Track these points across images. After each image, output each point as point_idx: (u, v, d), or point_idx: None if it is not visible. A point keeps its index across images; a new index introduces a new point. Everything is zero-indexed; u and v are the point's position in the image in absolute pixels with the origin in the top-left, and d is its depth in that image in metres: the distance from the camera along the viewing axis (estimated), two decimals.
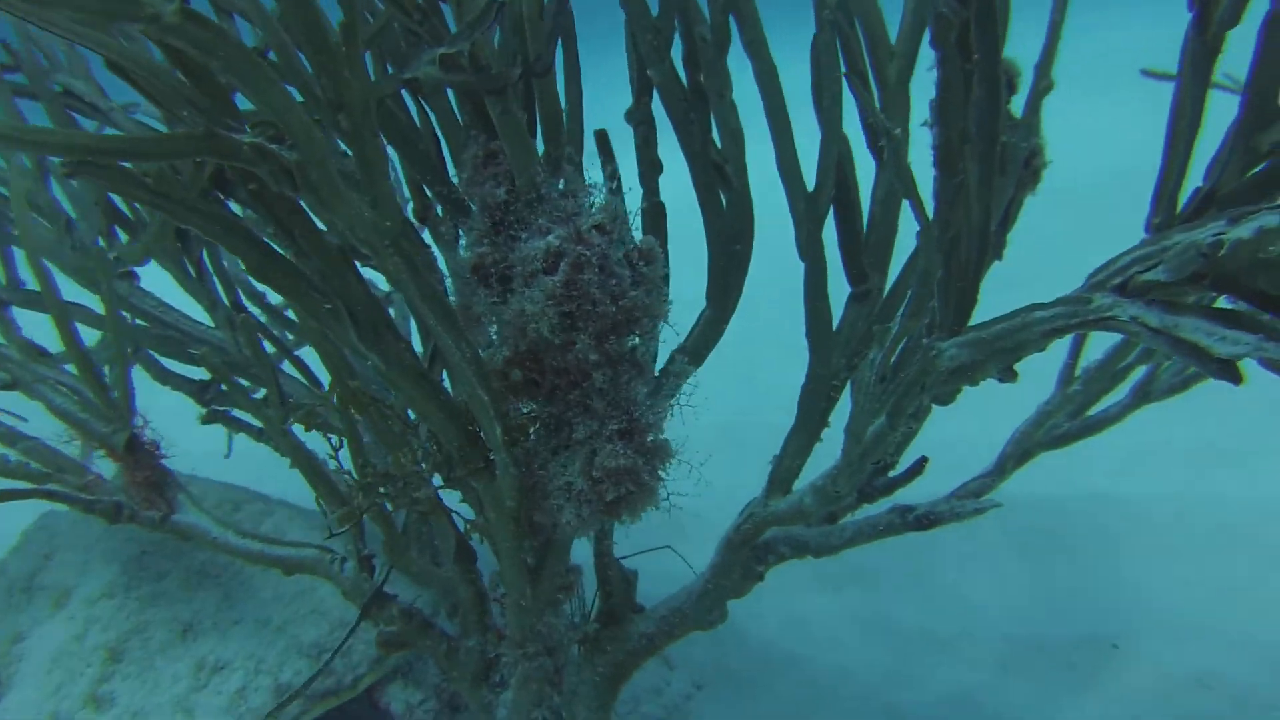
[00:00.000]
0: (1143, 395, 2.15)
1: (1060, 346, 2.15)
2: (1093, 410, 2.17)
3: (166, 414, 2.35)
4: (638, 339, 1.74)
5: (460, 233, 1.97)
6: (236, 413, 2.51)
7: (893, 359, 1.81)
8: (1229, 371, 1.35)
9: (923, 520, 2.10)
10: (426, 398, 1.70)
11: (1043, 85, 2.01)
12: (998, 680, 2.77)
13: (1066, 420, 2.16)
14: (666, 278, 1.75)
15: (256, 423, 2.52)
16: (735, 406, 4.24)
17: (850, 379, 2.05)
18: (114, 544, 2.46)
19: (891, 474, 2.27)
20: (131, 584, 2.39)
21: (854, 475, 1.91)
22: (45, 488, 2.08)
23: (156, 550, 2.45)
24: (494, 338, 1.81)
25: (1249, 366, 1.31)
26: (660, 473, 1.73)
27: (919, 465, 2.24)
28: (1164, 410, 2.21)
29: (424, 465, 1.91)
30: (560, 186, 1.79)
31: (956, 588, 3.24)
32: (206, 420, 2.51)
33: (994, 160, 1.68)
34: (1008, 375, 1.82)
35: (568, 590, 2.02)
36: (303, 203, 1.54)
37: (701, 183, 1.95)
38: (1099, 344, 2.10)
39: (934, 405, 1.90)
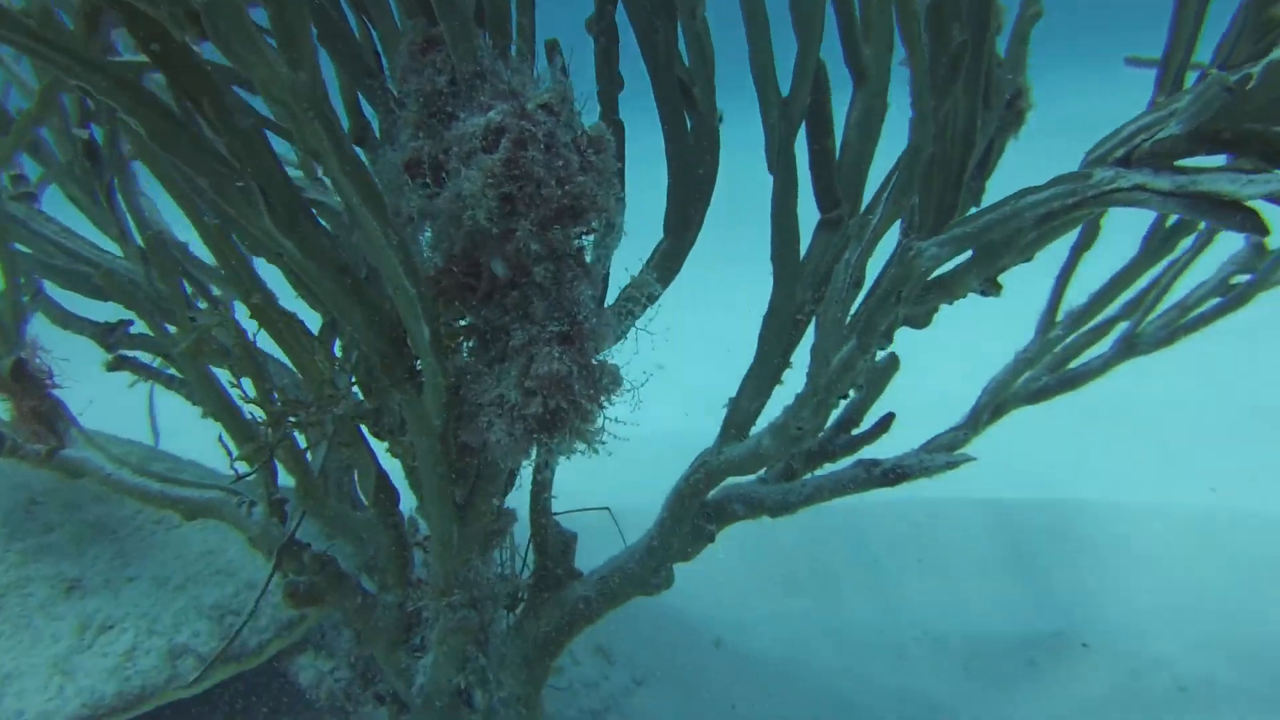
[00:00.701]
0: (1128, 348, 2.00)
1: (1041, 289, 2.02)
2: (1074, 363, 2.01)
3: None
4: (585, 240, 1.56)
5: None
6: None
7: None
8: (1254, 222, 1.20)
9: (890, 474, 1.94)
10: (347, 294, 1.52)
11: (1030, 12, 1.86)
12: (957, 680, 2.59)
13: (1045, 373, 2.01)
14: (620, 173, 1.58)
15: (172, 370, 2.31)
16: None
17: (817, 311, 1.89)
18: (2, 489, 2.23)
19: (855, 431, 2.11)
20: (14, 535, 2.15)
21: (820, 409, 1.74)
22: None
23: (48, 500, 2.22)
24: (426, 248, 1.63)
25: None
26: (603, 399, 1.55)
27: (885, 421, 2.08)
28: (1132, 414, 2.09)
29: (339, 383, 1.71)
30: (505, 69, 1.61)
31: (918, 592, 3.07)
32: (113, 366, 2.29)
33: (984, 51, 1.54)
34: (990, 287, 1.67)
35: (499, 535, 1.82)
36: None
37: (665, 101, 1.79)
38: (1084, 286, 1.95)
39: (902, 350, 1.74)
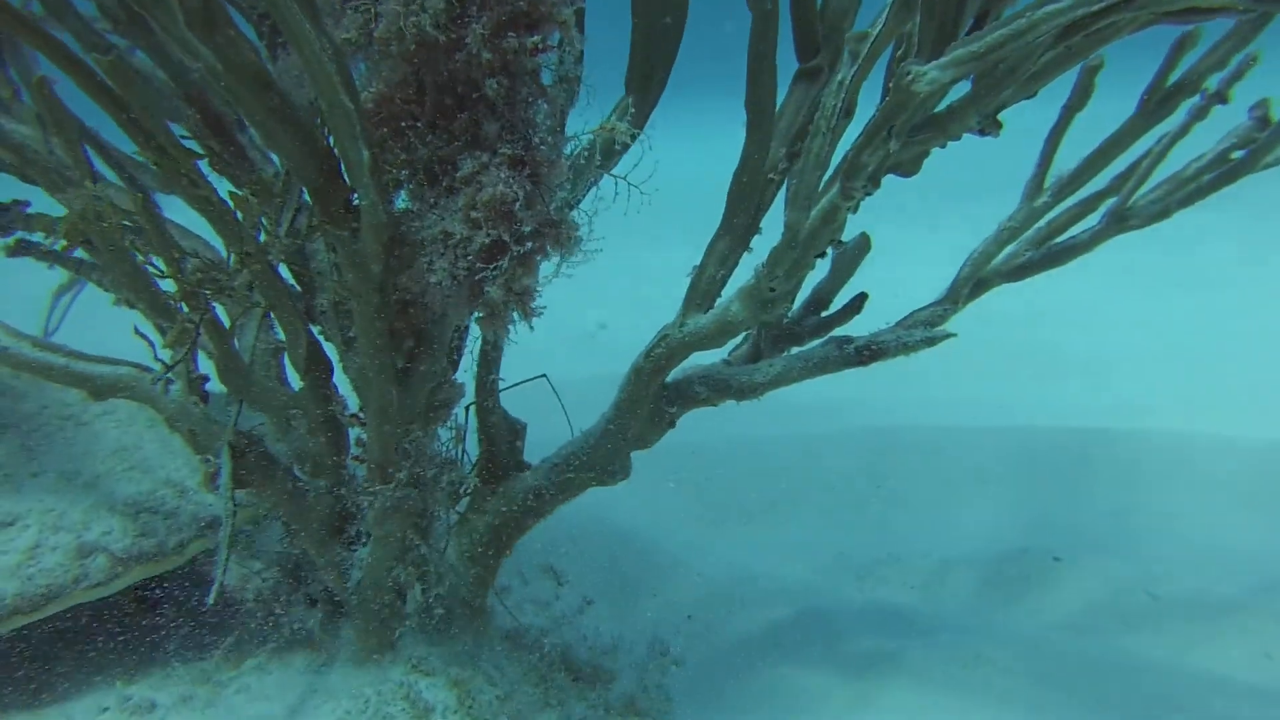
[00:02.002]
0: (1118, 220, 1.87)
1: (1028, 156, 1.89)
2: (1059, 238, 1.89)
3: None
4: (542, 60, 1.40)
5: None
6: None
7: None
8: None
9: (864, 352, 1.80)
10: (273, 113, 1.34)
11: None
12: (926, 595, 2.48)
13: (1030, 247, 1.88)
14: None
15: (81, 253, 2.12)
16: None
17: (783, 180, 1.75)
18: None
19: (825, 313, 1.97)
20: None
21: (796, 266, 1.59)
22: None
23: None
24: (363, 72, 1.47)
25: None
26: (556, 245, 1.40)
27: (857, 301, 1.95)
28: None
29: (263, 232, 1.54)
30: None
31: (882, 516, 2.96)
32: (13, 251, 2.09)
33: None
34: (990, 125, 1.53)
35: (444, 409, 1.66)
36: None
37: None
38: (1073, 149, 1.83)
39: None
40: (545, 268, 1.44)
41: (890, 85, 1.38)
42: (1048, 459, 3.20)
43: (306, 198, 1.52)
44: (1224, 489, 2.90)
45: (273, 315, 1.67)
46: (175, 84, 1.77)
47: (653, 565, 2.55)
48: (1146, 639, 2.24)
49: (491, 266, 1.35)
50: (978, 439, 3.35)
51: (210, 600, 1.55)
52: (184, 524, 1.92)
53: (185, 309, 1.59)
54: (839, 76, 1.40)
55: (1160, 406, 3.60)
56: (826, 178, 1.54)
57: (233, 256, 1.53)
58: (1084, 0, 1.21)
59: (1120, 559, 2.59)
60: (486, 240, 1.36)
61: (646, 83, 1.74)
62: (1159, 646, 2.20)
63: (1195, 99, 1.78)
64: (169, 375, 1.73)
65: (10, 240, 2.10)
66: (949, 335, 1.81)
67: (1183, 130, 1.83)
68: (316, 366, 1.68)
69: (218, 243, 1.91)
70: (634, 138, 1.61)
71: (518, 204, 1.34)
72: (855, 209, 1.54)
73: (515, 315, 1.44)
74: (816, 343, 1.86)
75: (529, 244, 1.37)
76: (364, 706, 1.72)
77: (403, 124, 1.39)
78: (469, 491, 1.87)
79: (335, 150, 1.38)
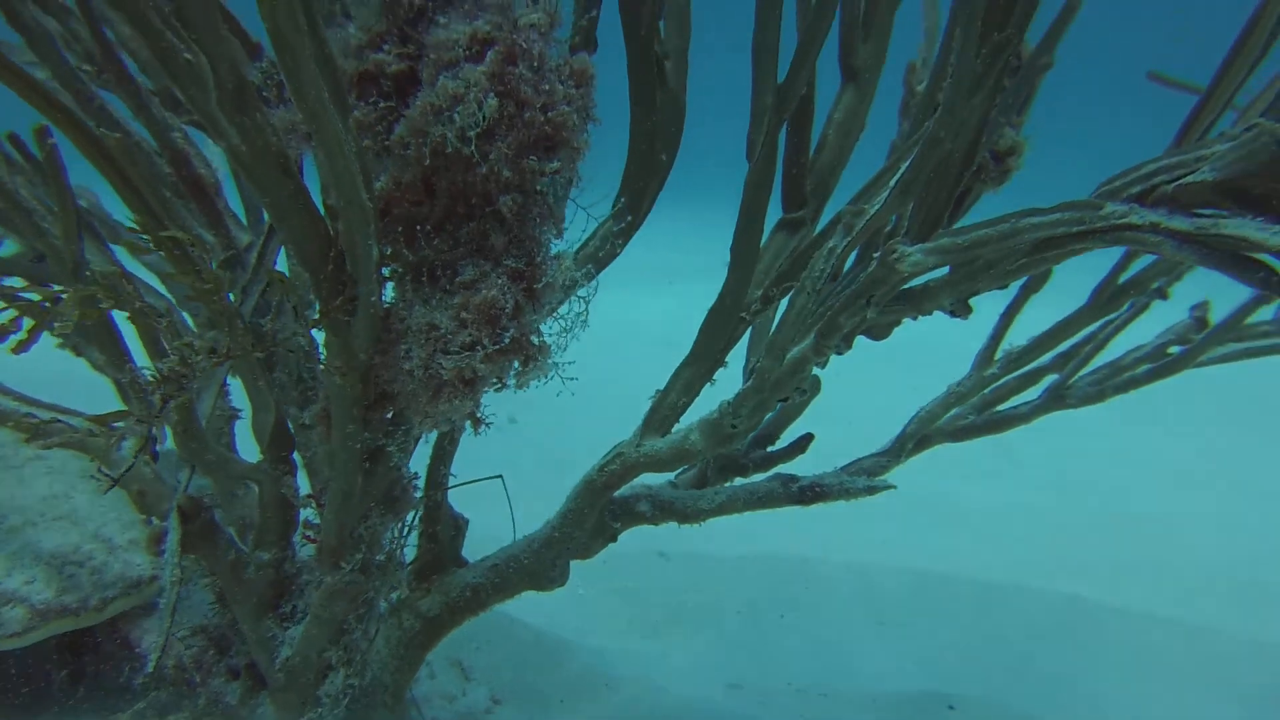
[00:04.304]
0: (1056, 398, 1.99)
1: (983, 327, 2.00)
2: (1001, 406, 2.00)
3: None
4: (545, 181, 1.47)
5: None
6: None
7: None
8: (1275, 284, 1.18)
9: (807, 492, 1.87)
10: (290, 198, 1.38)
11: (1042, 61, 1.83)
12: None
13: (973, 412, 1.98)
14: (593, 111, 1.49)
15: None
16: None
17: (753, 321, 1.83)
18: None
19: (771, 448, 2.05)
20: None
21: (759, 408, 1.66)
22: None
23: None
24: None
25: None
26: (530, 352, 1.45)
27: (803, 441, 2.03)
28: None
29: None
30: None
31: (785, 646, 3.02)
32: None
33: (1010, 59, 1.51)
34: (961, 309, 1.63)
35: (403, 499, 1.69)
36: None
37: (637, 71, 1.72)
38: (1026, 328, 1.94)
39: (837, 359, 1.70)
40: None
41: (875, 261, 1.47)
42: (944, 605, 3.31)
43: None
44: (1121, 662, 3.03)
45: (245, 388, 1.69)
46: (157, 141, 1.81)
47: (561, 669, 2.56)
48: None
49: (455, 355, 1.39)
50: (879, 578, 3.45)
51: (150, 666, 1.54)
52: (109, 581, 1.90)
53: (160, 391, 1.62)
54: (831, 244, 1.48)
55: (1055, 567, 3.74)
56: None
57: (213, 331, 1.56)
58: (1064, 221, 1.32)
59: (1012, 714, 2.68)
60: (467, 338, 1.41)
61: (637, 202, 1.82)
62: None
63: (1142, 294, 1.92)
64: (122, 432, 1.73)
65: None
66: (889, 486, 1.89)
67: (1124, 323, 1.96)
68: (279, 440, 1.70)
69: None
70: (588, 276, 1.68)
71: (505, 313, 1.40)
72: (824, 365, 1.63)
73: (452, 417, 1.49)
74: (761, 477, 1.93)
75: (498, 348, 1.42)
76: None
77: (412, 226, 1.45)
78: (404, 583, 1.89)
79: (342, 241, 1.43)
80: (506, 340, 1.39)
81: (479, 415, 1.49)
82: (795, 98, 1.65)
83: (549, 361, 1.44)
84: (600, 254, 1.80)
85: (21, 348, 1.55)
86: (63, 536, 1.92)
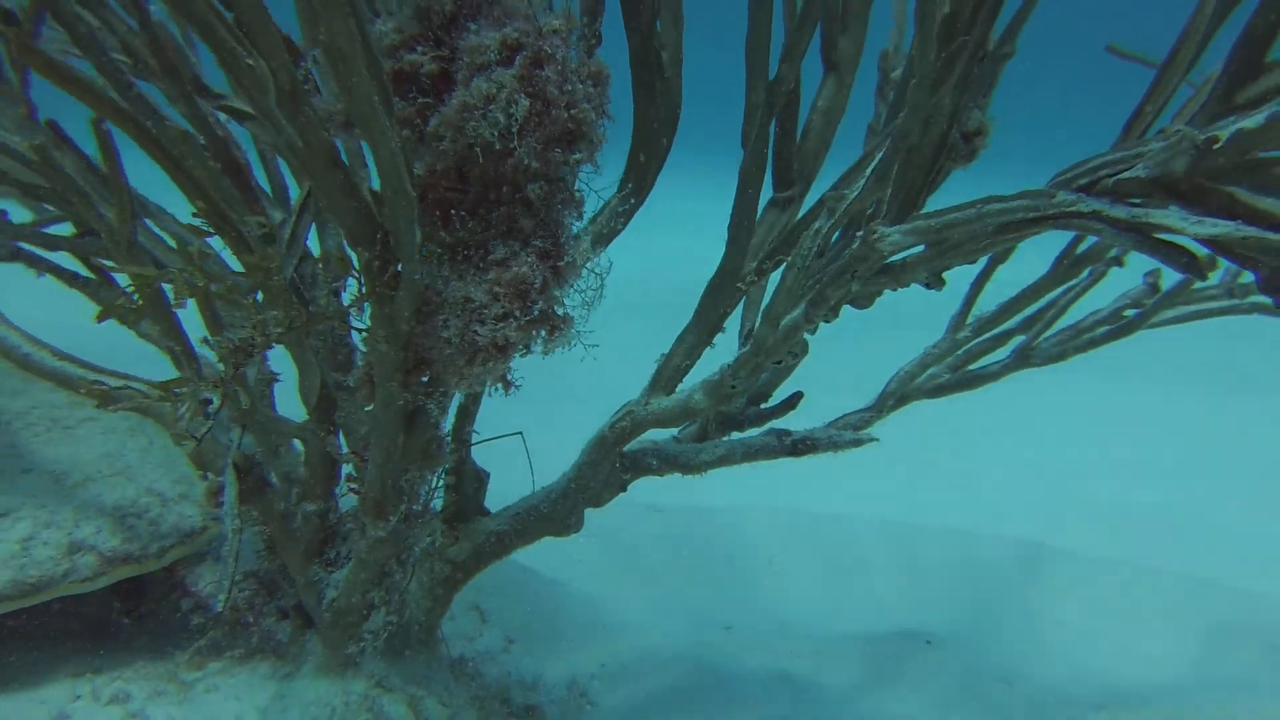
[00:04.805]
0: (1022, 358, 2.18)
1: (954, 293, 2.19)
2: (973, 366, 2.19)
3: None
4: (567, 170, 1.64)
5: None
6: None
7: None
8: (1193, 265, 1.37)
9: (800, 445, 2.06)
10: (340, 188, 1.55)
11: (1005, 50, 2.01)
12: (812, 665, 2.74)
13: (947, 372, 2.18)
14: (607, 107, 1.66)
15: (74, 265, 2.28)
16: None
17: (748, 291, 2.01)
18: None
19: (765, 405, 2.24)
20: None
21: (756, 370, 1.85)
22: None
23: None
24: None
25: None
26: (556, 323, 1.63)
27: (794, 399, 2.21)
28: None
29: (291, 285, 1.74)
30: None
31: (773, 590, 3.23)
32: (4, 258, 2.23)
33: (975, 59, 1.68)
34: (935, 282, 1.81)
35: (437, 455, 1.87)
36: None
37: (639, 64, 1.89)
38: (994, 295, 2.13)
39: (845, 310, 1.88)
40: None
41: (858, 241, 1.66)
42: (920, 552, 3.53)
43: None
44: (1081, 601, 3.25)
45: (293, 357, 1.86)
46: (196, 128, 1.97)
47: (569, 614, 2.76)
48: None
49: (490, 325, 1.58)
50: (858, 528, 3.66)
51: (220, 607, 1.72)
52: (165, 531, 2.08)
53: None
54: (817, 225, 1.66)
55: (1021, 516, 3.97)
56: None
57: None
58: (1023, 208, 1.50)
59: (981, 650, 2.90)
60: (500, 310, 1.59)
61: (641, 182, 1.99)
62: None
63: (1099, 263, 2.11)
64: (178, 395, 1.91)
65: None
66: (873, 439, 2.08)
67: (1084, 289, 2.15)
68: (324, 403, 1.88)
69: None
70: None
71: (534, 288, 1.58)
72: (813, 331, 1.81)
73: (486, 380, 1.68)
74: (757, 432, 2.12)
75: (529, 319, 1.60)
76: (330, 713, 1.90)
77: (447, 210, 1.62)
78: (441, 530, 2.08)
79: (387, 225, 1.60)
80: (536, 312, 1.57)
81: (508, 378, 1.66)
82: (784, 93, 1.83)
83: (572, 331, 1.62)
84: (606, 230, 1.98)
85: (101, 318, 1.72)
86: (121, 491, 2.10)
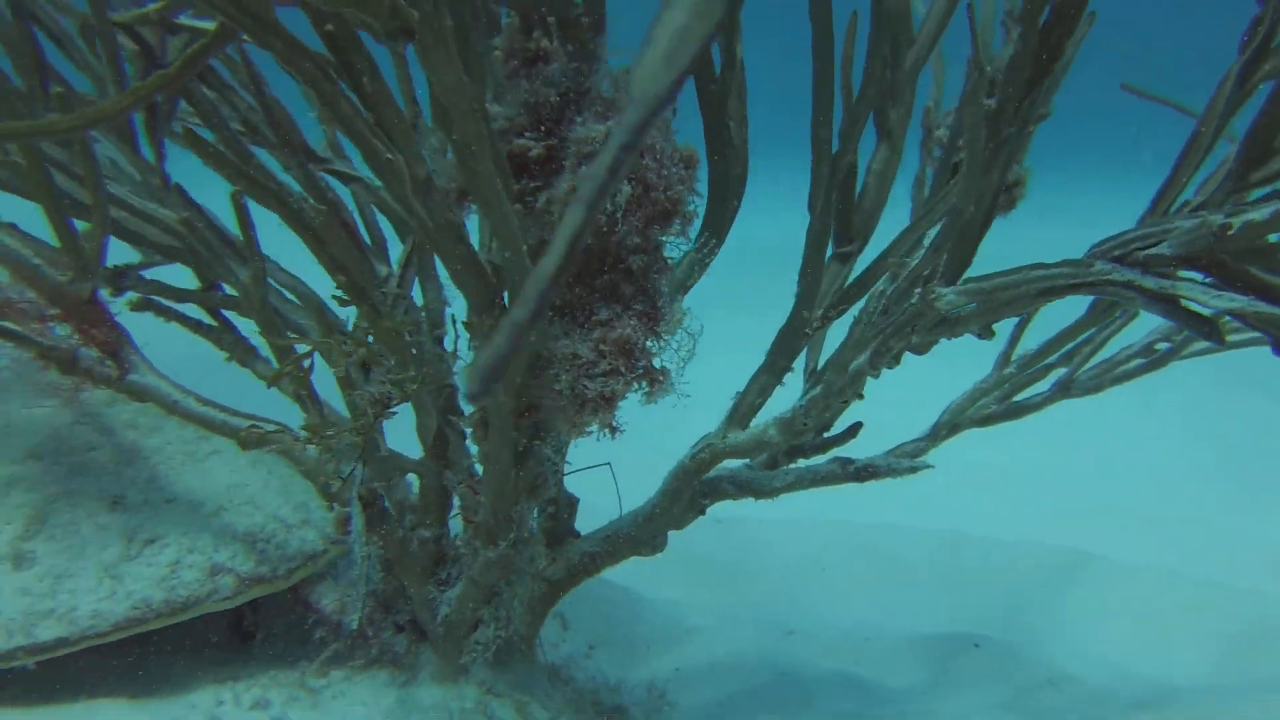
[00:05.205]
0: (1063, 390, 2.38)
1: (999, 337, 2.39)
2: (1018, 398, 2.39)
3: None
4: (664, 240, 1.86)
5: None
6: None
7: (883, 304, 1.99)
8: (1215, 334, 1.57)
9: (862, 472, 2.27)
10: (465, 260, 1.77)
11: (1041, 112, 2.20)
12: (874, 669, 2.94)
13: (995, 403, 2.38)
14: (696, 186, 1.87)
15: (197, 313, 2.50)
16: None
17: (813, 336, 2.22)
18: (42, 411, 2.38)
19: (827, 434, 2.44)
20: (61, 450, 2.31)
21: (825, 410, 2.06)
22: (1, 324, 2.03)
23: (88, 422, 2.38)
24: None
25: None
26: (657, 378, 1.85)
27: (853, 429, 2.41)
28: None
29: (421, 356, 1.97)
30: (605, 87, 1.89)
31: (828, 597, 3.43)
32: (136, 307, 2.46)
33: (1018, 142, 1.88)
34: (986, 333, 2.02)
35: (542, 488, 2.09)
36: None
37: (712, 134, 2.10)
38: (1038, 332, 2.33)
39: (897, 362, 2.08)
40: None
41: (918, 299, 1.86)
42: (964, 560, 3.73)
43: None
44: (1120, 605, 3.44)
45: (413, 403, 2.09)
46: (310, 193, 2.19)
47: (643, 621, 2.98)
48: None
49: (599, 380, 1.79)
50: (905, 536, 3.87)
51: (353, 625, 1.95)
52: (291, 554, 2.30)
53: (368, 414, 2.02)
54: (880, 287, 1.88)
55: (1058, 523, 4.16)
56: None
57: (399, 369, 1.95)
58: (1064, 275, 1.70)
59: (1027, 653, 3.10)
60: (607, 366, 1.81)
61: (718, 232, 2.20)
62: None
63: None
64: (339, 479, 2.14)
65: (135, 297, 2.49)
66: (928, 466, 2.29)
67: (1119, 326, 2.34)
68: (439, 444, 2.11)
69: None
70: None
71: (638, 347, 1.80)
72: (877, 377, 2.02)
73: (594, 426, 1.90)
74: (823, 459, 2.32)
75: (633, 374, 1.82)
76: (449, 717, 2.13)
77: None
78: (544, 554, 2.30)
79: (506, 290, 1.82)
80: (639, 369, 1.78)
81: (613, 424, 1.87)
82: (845, 165, 2.04)
83: (670, 383, 1.83)
84: (687, 280, 2.20)
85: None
86: (250, 518, 2.33)
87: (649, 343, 1.81)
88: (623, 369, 1.79)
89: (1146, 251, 1.62)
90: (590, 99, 1.83)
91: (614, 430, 1.88)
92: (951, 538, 3.84)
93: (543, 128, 1.83)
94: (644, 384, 1.81)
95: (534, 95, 1.84)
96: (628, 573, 3.21)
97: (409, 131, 1.69)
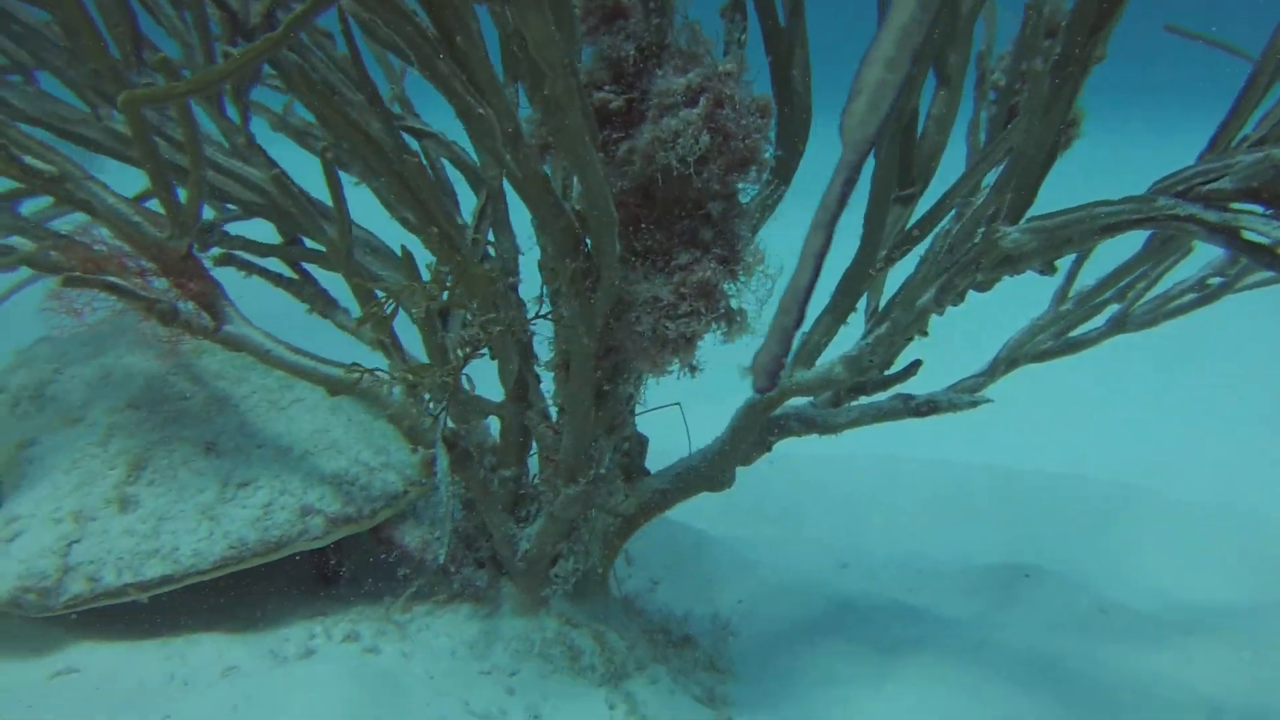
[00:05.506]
0: (1118, 325, 2.44)
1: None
2: (1074, 333, 2.45)
3: None
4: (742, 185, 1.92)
5: None
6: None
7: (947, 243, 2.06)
8: (1276, 261, 1.62)
9: (923, 407, 2.34)
10: (552, 207, 1.84)
11: (1096, 55, 2.24)
12: (926, 596, 3.02)
13: (1051, 339, 2.44)
14: (770, 135, 1.93)
15: (278, 266, 2.59)
16: None
17: (876, 277, 2.29)
18: (137, 360, 2.48)
19: (887, 372, 2.51)
20: (157, 399, 2.41)
21: (891, 346, 2.13)
22: (109, 279, 2.11)
23: (179, 373, 2.48)
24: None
25: None
26: (735, 318, 1.92)
27: (913, 366, 2.48)
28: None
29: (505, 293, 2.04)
30: (683, 40, 1.95)
31: (882, 529, 3.52)
32: (220, 261, 2.55)
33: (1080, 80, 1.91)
34: (1048, 269, 2.07)
35: (621, 426, 2.17)
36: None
37: (780, 87, 2.15)
38: (1092, 270, 2.39)
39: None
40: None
41: (981, 238, 1.92)
42: (1014, 494, 3.81)
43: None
44: (1165, 537, 3.52)
45: (493, 348, 2.17)
46: (395, 150, 2.26)
47: (704, 555, 3.07)
48: (1099, 643, 2.81)
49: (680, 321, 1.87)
50: (956, 471, 3.95)
51: (441, 559, 2.05)
52: (375, 495, 2.40)
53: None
54: (944, 226, 1.94)
55: (1106, 457, 4.23)
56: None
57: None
58: (1128, 211, 1.75)
59: (1076, 582, 3.17)
60: (688, 308, 1.88)
61: (786, 172, 2.26)
62: (1110, 651, 2.77)
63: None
64: (429, 405, 2.23)
65: (218, 252, 2.58)
66: (988, 400, 2.36)
67: (1173, 263, 2.39)
68: (520, 388, 2.19)
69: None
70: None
71: (717, 289, 1.87)
72: (942, 314, 2.09)
73: (675, 365, 1.97)
74: (884, 396, 2.39)
75: (713, 315, 1.89)
76: (531, 646, 2.23)
77: (635, 223, 1.90)
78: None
79: (590, 238, 1.88)
80: (720, 309, 1.86)
81: (694, 363, 1.95)
82: (910, 111, 2.09)
83: (748, 323, 1.90)
84: (755, 222, 2.26)
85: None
86: (335, 462, 2.42)
87: (727, 285, 1.89)
88: (703, 310, 1.87)
89: (1208, 186, 1.68)
90: (669, 52, 1.89)
91: (694, 369, 1.95)
92: (1001, 473, 3.91)
93: (622, 82, 1.90)
94: (722, 324, 1.89)
95: (613, 50, 1.90)
96: (687, 510, 3.30)
97: (499, 87, 1.75)
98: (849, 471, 3.89)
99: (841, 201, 0.82)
